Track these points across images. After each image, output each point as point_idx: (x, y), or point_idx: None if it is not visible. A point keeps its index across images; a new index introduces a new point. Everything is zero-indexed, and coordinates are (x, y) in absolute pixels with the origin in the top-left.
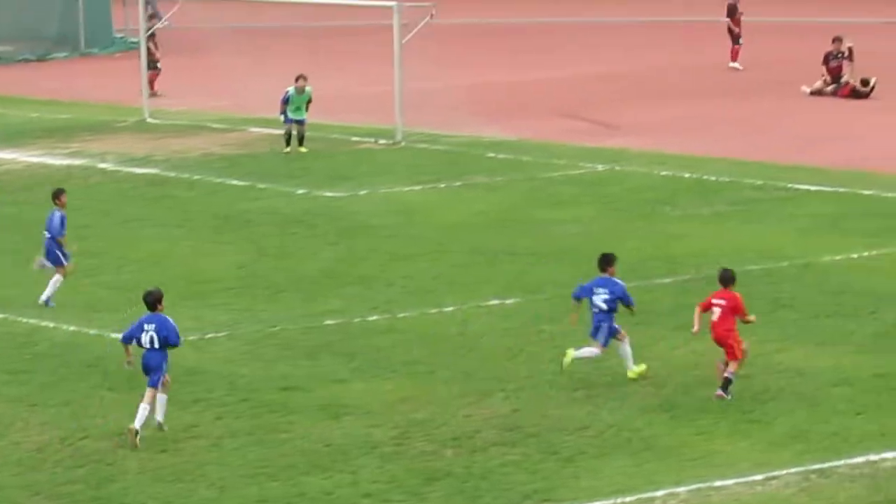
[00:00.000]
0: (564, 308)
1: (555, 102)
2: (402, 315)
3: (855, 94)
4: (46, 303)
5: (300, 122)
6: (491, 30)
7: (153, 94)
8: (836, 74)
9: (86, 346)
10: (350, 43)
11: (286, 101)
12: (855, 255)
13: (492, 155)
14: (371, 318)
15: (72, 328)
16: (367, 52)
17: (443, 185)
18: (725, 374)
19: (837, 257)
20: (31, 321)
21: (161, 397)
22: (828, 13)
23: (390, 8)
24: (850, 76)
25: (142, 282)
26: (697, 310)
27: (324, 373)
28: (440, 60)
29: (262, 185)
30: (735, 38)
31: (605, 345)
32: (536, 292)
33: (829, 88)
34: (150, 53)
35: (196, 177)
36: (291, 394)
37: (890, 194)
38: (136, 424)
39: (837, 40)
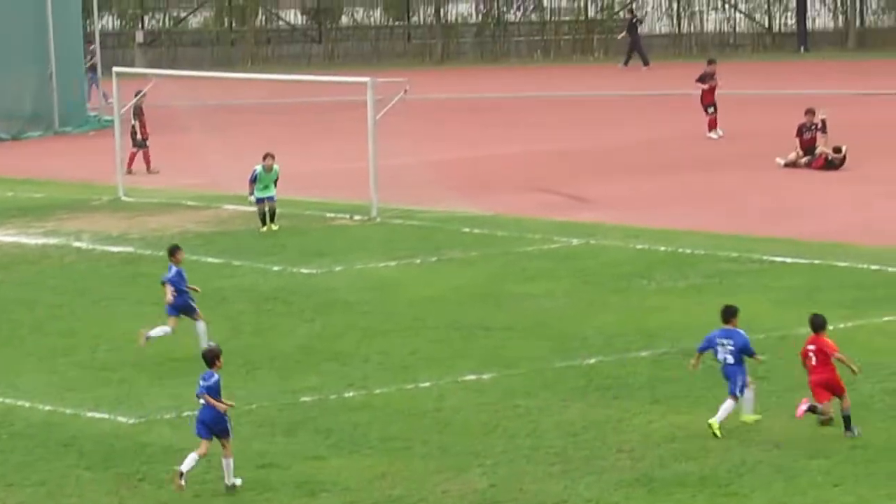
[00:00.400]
0: (540, 383)
1: (527, 177)
2: (378, 391)
3: (828, 165)
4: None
5: (270, 199)
6: (462, 105)
7: (150, 172)
8: (809, 146)
9: (61, 426)
10: (324, 119)
11: (254, 180)
12: (830, 327)
13: (466, 230)
14: (348, 395)
15: (47, 408)
16: (342, 128)
17: (418, 261)
18: (843, 414)
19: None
20: (7, 401)
21: (227, 461)
22: (800, 85)
23: (364, 84)
24: (823, 148)
25: (117, 361)
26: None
27: (301, 450)
28: (413, 136)
29: (237, 263)
30: (706, 107)
31: (739, 394)
32: (512, 367)
33: (803, 160)
34: (141, 129)
35: None
36: (269, 471)
37: (864, 266)
38: (183, 468)
39: (810, 112)
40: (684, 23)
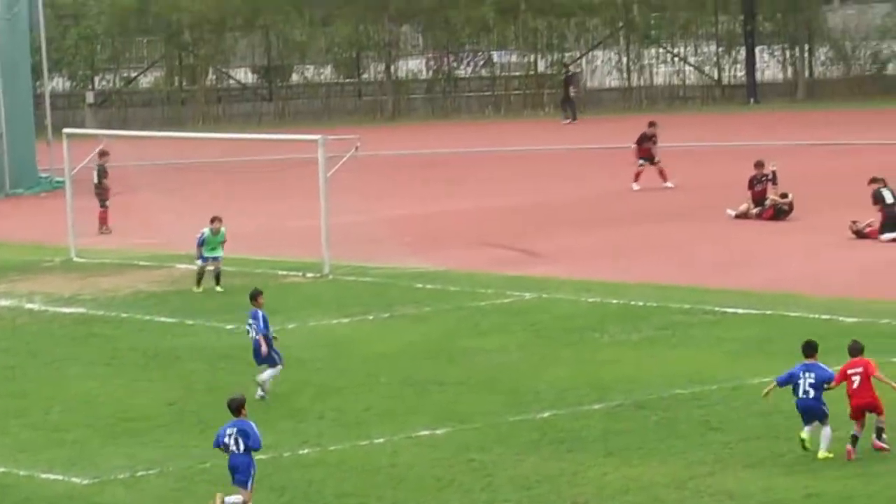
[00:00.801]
0: (494, 437)
1: (478, 232)
2: (333, 448)
3: (778, 214)
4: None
5: (216, 260)
6: (413, 161)
7: (105, 231)
8: (760, 198)
9: (15, 487)
10: (276, 177)
11: (202, 244)
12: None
13: (419, 285)
14: (302, 452)
15: (1, 469)
16: (293, 185)
17: (371, 317)
18: (878, 425)
19: (766, 379)
20: None
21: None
22: (749, 137)
23: (315, 141)
24: (773, 198)
25: (70, 422)
26: (835, 384)
27: None
28: (365, 192)
29: (190, 322)
30: (639, 159)
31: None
32: (466, 422)
33: (754, 211)
34: (104, 190)
35: (124, 315)
36: None
37: (815, 315)
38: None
39: (760, 164)
40: (634, 76)
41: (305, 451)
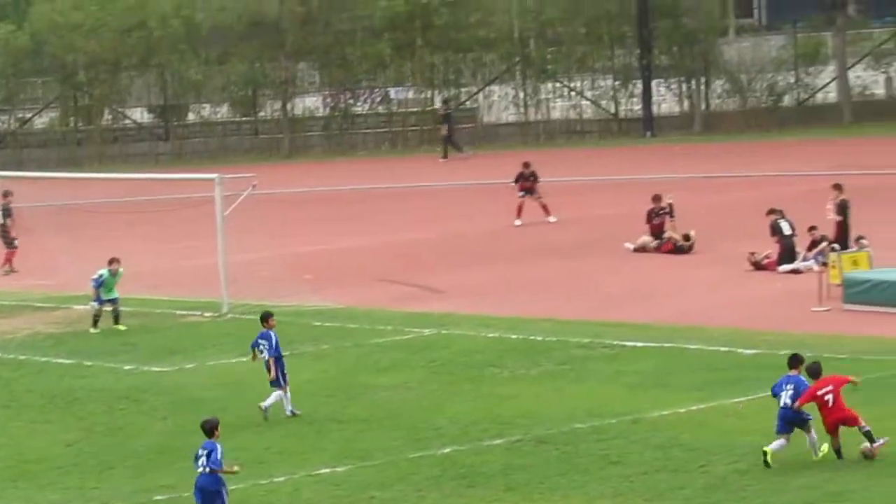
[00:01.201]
0: (395, 475)
1: (377, 268)
2: (233, 487)
3: (677, 250)
4: (293, 412)
5: (113, 301)
6: (311, 198)
7: (8, 271)
8: (658, 231)
9: None
10: (173, 217)
11: (100, 285)
12: (682, 410)
13: (318, 323)
14: None
15: None
16: (191, 225)
17: None
18: (863, 431)
19: (665, 412)
20: None
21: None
22: (647, 170)
23: (212, 180)
24: (671, 232)
25: None
26: (799, 404)
27: None
28: (263, 231)
29: (88, 363)
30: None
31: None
32: (366, 459)
33: (653, 244)
34: (7, 231)
35: (21, 357)
36: None
37: (713, 348)
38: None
39: (657, 198)
40: (531, 111)
41: None
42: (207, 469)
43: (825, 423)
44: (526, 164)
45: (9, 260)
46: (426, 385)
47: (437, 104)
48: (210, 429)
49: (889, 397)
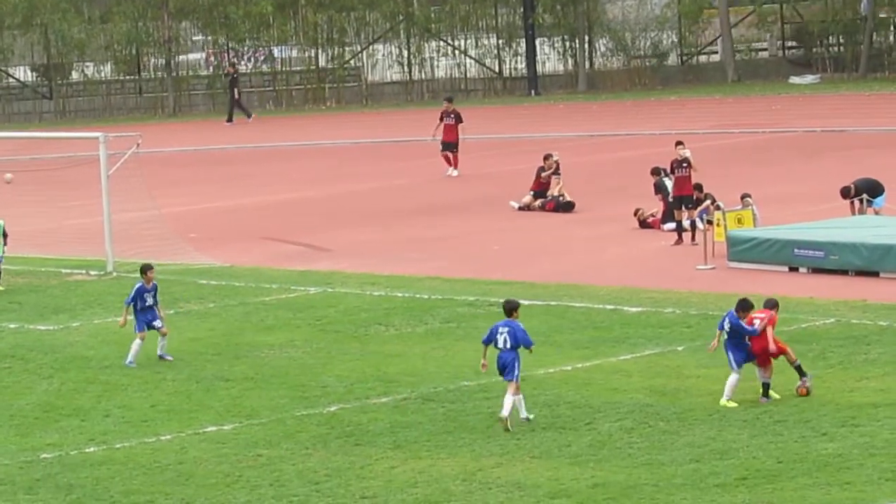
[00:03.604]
0: (281, 433)
1: (263, 227)
2: (119, 445)
3: (561, 208)
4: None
5: None
6: (196, 157)
7: None
8: (544, 189)
9: None
10: (57, 176)
11: None
12: (569, 368)
13: (203, 282)
14: (89, 450)
15: None
16: (76, 184)
17: None
18: (796, 363)
19: (552, 370)
20: None
21: (517, 397)
22: (532, 129)
23: (96, 139)
24: (557, 190)
25: None
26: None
27: None
28: (148, 190)
29: None
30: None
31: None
32: (253, 417)
33: (538, 203)
34: None
35: None
36: None
37: (599, 306)
38: (504, 413)
39: (548, 157)
40: (415, 70)
41: (92, 449)
42: (510, 345)
43: (754, 351)
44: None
45: None
46: (312, 343)
47: (322, 61)
48: (511, 309)
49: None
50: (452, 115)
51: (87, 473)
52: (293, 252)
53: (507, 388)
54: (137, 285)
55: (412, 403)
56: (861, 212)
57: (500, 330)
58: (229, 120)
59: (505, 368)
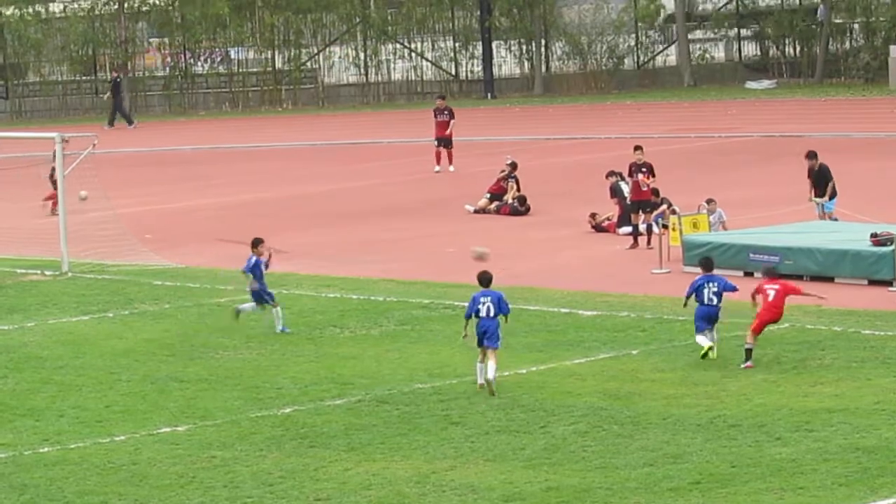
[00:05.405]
0: (236, 434)
1: (217, 228)
2: (73, 446)
3: (515, 212)
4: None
5: None
6: (151, 158)
7: None
8: (500, 192)
9: None
10: (12, 176)
11: None
12: (523, 371)
13: (158, 282)
14: (42, 450)
15: None
16: (31, 184)
17: (111, 315)
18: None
19: (506, 373)
20: None
21: (491, 364)
22: (487, 132)
23: (52, 139)
24: (512, 194)
25: None
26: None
27: None
28: (103, 190)
29: None
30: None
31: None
32: (207, 418)
33: (493, 206)
34: None
35: None
36: None
37: (554, 309)
38: (480, 380)
39: (507, 162)
40: (371, 72)
41: (46, 449)
42: (493, 313)
43: (759, 317)
44: (440, 97)
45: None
46: (267, 345)
47: (278, 63)
48: (488, 280)
49: (735, 358)
50: (445, 112)
51: (41, 473)
52: (247, 253)
53: (489, 355)
54: (256, 258)
55: (366, 406)
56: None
57: (482, 300)
58: (110, 124)
59: (487, 334)
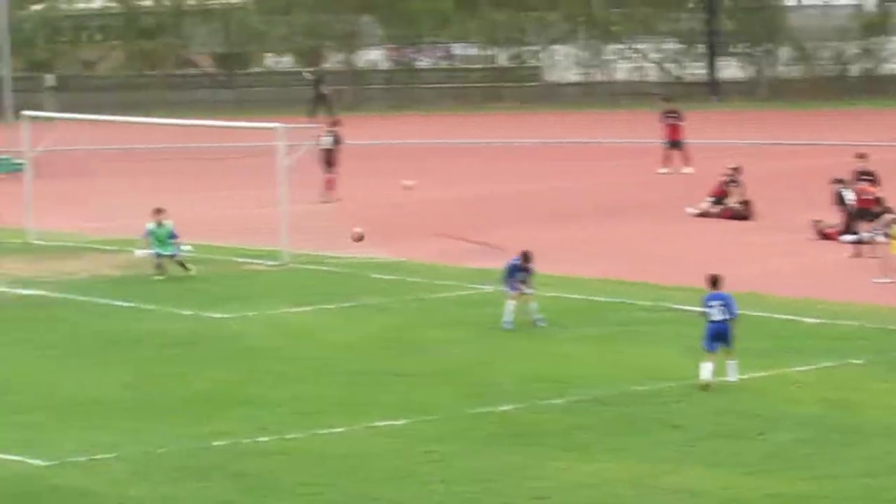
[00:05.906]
0: (454, 429)
1: (437, 223)
2: (291, 436)
3: (737, 216)
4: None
5: (172, 256)
6: (371, 151)
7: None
8: (722, 195)
9: None
10: (235, 165)
11: (150, 236)
12: (745, 376)
13: (377, 276)
14: (260, 440)
15: None
16: (252, 173)
17: (331, 307)
18: None
19: (724, 379)
20: None
21: (733, 362)
22: (710, 135)
23: (274, 130)
24: (737, 198)
25: (27, 404)
26: None
27: (212, 494)
28: (324, 182)
29: (148, 307)
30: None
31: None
32: (425, 413)
33: (714, 210)
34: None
35: (83, 298)
36: None
37: (776, 315)
38: (706, 376)
39: (734, 168)
40: (595, 72)
41: (264, 438)
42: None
43: None
44: (665, 99)
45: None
46: (486, 341)
47: (502, 60)
48: (715, 280)
49: None
50: (674, 115)
51: (258, 462)
52: (468, 249)
53: (728, 356)
54: (514, 260)
55: (584, 406)
56: None
57: (711, 303)
58: (312, 116)
59: (721, 335)
